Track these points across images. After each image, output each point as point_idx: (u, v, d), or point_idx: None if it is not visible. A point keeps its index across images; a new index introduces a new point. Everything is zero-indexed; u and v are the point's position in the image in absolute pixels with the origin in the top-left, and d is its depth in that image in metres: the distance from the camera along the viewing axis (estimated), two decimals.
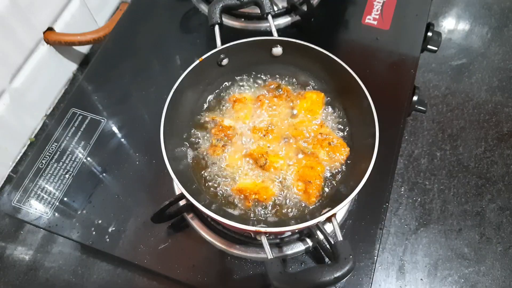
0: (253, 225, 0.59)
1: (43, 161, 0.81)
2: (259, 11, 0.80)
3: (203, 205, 0.58)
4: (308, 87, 0.79)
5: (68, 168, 0.80)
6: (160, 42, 0.97)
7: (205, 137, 0.74)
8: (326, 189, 0.69)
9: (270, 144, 0.72)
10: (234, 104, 0.76)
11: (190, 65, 0.71)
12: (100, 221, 0.75)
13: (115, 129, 0.85)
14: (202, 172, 0.70)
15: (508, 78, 1.20)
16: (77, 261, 0.86)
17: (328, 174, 0.70)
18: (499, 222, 0.99)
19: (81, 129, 0.85)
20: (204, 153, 0.72)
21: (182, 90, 0.70)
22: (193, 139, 0.74)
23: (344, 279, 0.52)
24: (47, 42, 1.04)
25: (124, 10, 1.03)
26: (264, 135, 0.72)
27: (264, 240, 0.59)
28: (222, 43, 0.74)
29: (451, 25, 1.31)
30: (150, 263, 0.72)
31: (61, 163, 0.81)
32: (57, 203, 0.77)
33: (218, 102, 0.78)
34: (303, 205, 0.67)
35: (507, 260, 0.95)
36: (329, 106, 0.76)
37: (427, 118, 1.14)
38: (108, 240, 0.74)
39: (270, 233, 0.67)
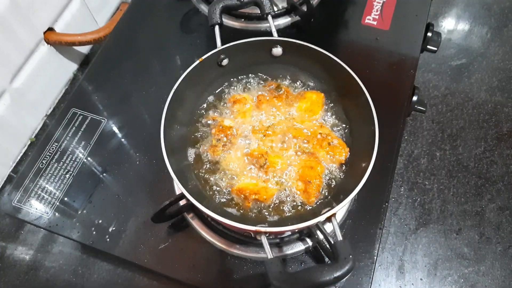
0: (253, 225, 0.59)
1: (43, 161, 0.81)
2: (259, 12, 0.80)
3: (203, 205, 0.59)
4: (308, 87, 0.79)
5: (68, 168, 0.81)
6: (160, 42, 0.97)
7: (205, 137, 0.74)
8: (326, 189, 0.69)
9: (270, 144, 0.72)
10: (234, 104, 0.76)
11: (190, 65, 0.71)
12: (100, 221, 0.75)
13: (115, 129, 0.86)
14: (202, 172, 0.71)
15: (507, 78, 1.20)
16: (77, 261, 0.86)
17: (328, 174, 0.70)
18: (499, 222, 0.99)
19: (82, 129, 0.85)
20: (204, 153, 0.72)
21: (182, 90, 0.70)
22: (193, 139, 0.74)
23: (344, 279, 0.52)
24: (48, 42, 1.05)
25: (124, 10, 1.03)
26: (264, 135, 0.73)
27: (264, 240, 0.59)
28: (222, 44, 0.74)
29: (451, 25, 1.32)
30: (150, 263, 0.72)
31: (61, 163, 0.81)
32: (58, 203, 0.77)
33: (218, 102, 0.78)
34: (303, 205, 0.68)
35: (506, 260, 0.95)
36: (329, 106, 0.77)
37: (426, 118, 1.14)
38: (108, 240, 0.74)
39: (270, 233, 0.67)
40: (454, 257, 0.95)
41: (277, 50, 0.77)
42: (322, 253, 0.71)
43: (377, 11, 0.99)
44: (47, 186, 0.79)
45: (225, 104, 0.77)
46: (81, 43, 1.08)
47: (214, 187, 0.69)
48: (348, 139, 0.73)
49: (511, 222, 0.99)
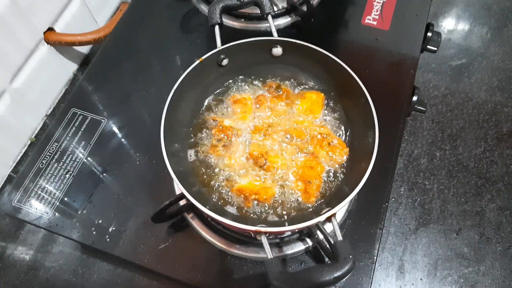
0: (253, 225, 0.59)
1: (43, 161, 0.81)
2: (259, 12, 0.80)
3: (203, 205, 0.59)
4: (308, 87, 0.79)
5: (68, 168, 0.81)
6: (160, 42, 0.97)
7: (205, 137, 0.74)
8: (326, 189, 0.69)
9: (270, 144, 0.72)
10: (234, 104, 0.76)
11: (190, 65, 0.71)
12: (100, 221, 0.75)
13: (115, 129, 0.86)
14: (202, 172, 0.71)
15: (507, 78, 1.20)
16: (77, 261, 0.86)
17: (328, 174, 0.70)
18: (499, 222, 0.99)
19: (82, 129, 0.85)
20: (204, 153, 0.72)
21: (182, 90, 0.70)
22: (194, 139, 0.74)
23: (344, 279, 0.52)
24: (48, 42, 1.05)
25: (124, 10, 1.03)
26: (264, 135, 0.73)
27: (264, 240, 0.59)
28: (222, 44, 0.74)
29: (451, 25, 1.32)
30: (150, 263, 0.72)
31: (61, 163, 0.81)
32: (58, 203, 0.77)
33: (218, 102, 0.78)
34: (303, 205, 0.68)
35: (506, 260, 0.95)
36: (329, 106, 0.77)
37: (426, 118, 1.14)
38: (108, 240, 0.74)
39: (270, 233, 0.67)
40: (454, 257, 0.95)
41: (277, 50, 0.77)
42: (322, 253, 0.71)
43: (377, 11, 0.99)
44: (47, 186, 0.79)
45: (225, 104, 0.77)
46: (81, 43, 1.08)
47: (214, 187, 0.69)
48: (348, 139, 0.73)
49: (511, 222, 0.99)
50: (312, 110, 0.75)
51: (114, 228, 0.75)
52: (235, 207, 0.68)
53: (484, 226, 0.99)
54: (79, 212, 0.76)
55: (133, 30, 0.99)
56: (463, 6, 1.35)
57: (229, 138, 0.72)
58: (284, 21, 0.98)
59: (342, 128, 0.74)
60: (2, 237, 0.92)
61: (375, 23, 0.97)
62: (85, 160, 0.82)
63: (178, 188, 0.73)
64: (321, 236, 0.68)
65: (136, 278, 0.82)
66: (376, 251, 0.72)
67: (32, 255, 0.89)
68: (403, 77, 0.89)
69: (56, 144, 0.83)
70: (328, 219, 0.59)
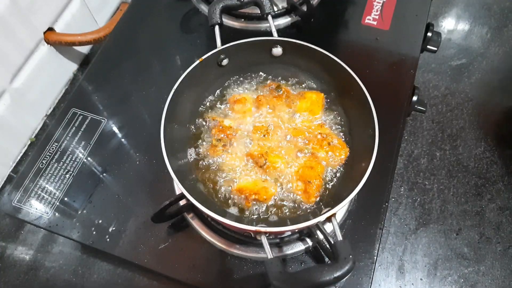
0: (253, 225, 0.59)
1: (43, 161, 0.81)
2: (259, 12, 0.81)
3: (203, 205, 0.59)
4: (308, 87, 0.79)
5: (68, 168, 0.81)
6: (160, 42, 0.97)
7: (205, 137, 0.74)
8: (326, 189, 0.69)
9: (270, 144, 0.72)
10: (234, 104, 0.76)
11: (190, 65, 0.71)
12: (100, 221, 0.75)
13: (115, 129, 0.86)
14: (202, 172, 0.71)
15: (507, 78, 1.20)
16: (77, 261, 0.86)
17: (328, 174, 0.70)
18: (499, 222, 0.99)
19: (82, 129, 0.85)
20: (204, 153, 0.72)
21: (182, 90, 0.70)
22: (194, 139, 0.74)
23: (344, 279, 0.52)
24: (48, 42, 1.05)
25: (124, 10, 1.04)
26: (264, 135, 0.73)
27: (264, 240, 0.59)
28: (222, 44, 0.74)
29: (451, 25, 1.32)
30: (150, 263, 0.72)
31: (61, 163, 0.81)
32: (58, 203, 0.77)
33: (218, 102, 0.78)
34: (303, 205, 0.68)
35: (506, 260, 0.95)
36: (329, 106, 0.77)
37: (426, 118, 1.14)
38: (108, 240, 0.74)
39: (270, 233, 0.67)
40: (454, 257, 0.95)
41: (277, 50, 0.77)
42: (322, 253, 0.71)
43: (377, 11, 0.99)
44: (47, 186, 0.79)
45: (225, 104, 0.78)
46: (81, 43, 1.08)
47: (214, 187, 0.69)
48: (348, 139, 0.73)
49: (511, 222, 0.99)
50: (312, 110, 0.75)
51: (114, 228, 0.75)
52: (235, 207, 0.68)
53: (484, 226, 0.99)
54: (79, 212, 0.76)
55: (133, 30, 0.99)
56: (463, 6, 1.35)
57: (229, 138, 0.72)
58: (284, 21, 0.98)
59: (342, 128, 0.74)
60: (2, 237, 0.92)
61: (375, 23, 0.97)
62: (85, 160, 0.82)
63: (178, 188, 0.73)
64: (321, 236, 0.68)
65: (136, 278, 0.82)
66: (376, 251, 0.72)
67: (32, 255, 0.89)
68: (403, 77, 0.89)
69: (56, 144, 0.83)
70: (328, 219, 0.59)
